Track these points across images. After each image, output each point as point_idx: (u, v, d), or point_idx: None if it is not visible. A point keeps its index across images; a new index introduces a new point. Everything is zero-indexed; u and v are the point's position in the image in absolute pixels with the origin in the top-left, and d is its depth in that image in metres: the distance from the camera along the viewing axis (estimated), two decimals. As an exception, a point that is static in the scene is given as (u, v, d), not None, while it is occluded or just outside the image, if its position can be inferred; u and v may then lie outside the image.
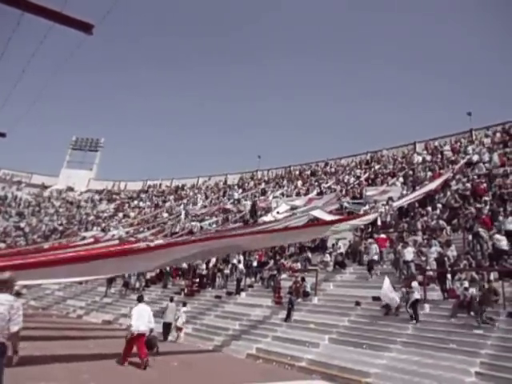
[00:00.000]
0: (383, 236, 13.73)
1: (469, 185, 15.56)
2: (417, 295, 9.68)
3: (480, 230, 11.47)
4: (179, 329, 13.00)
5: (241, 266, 15.83)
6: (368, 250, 13.41)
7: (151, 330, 8.91)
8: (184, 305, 13.61)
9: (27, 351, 7.50)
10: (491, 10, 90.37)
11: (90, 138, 54.37)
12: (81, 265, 8.72)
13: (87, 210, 42.24)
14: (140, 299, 9.57)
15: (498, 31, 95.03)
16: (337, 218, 14.13)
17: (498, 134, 21.46)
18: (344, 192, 21.87)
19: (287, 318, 11.74)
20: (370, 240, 14.17)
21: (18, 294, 16.39)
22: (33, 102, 37.90)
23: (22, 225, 38.09)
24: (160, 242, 16.87)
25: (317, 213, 16.22)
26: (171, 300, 13.82)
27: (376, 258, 13.01)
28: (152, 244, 15.32)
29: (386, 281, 10.27)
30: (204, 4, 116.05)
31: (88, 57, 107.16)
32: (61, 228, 36.30)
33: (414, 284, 9.94)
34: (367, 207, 17.11)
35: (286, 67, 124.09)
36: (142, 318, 8.67)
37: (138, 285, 19.62)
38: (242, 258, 16.74)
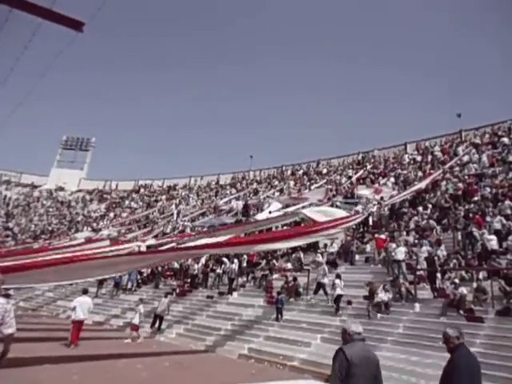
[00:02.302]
0: (382, 236, 13.73)
1: (460, 185, 15.72)
2: (339, 291, 11.06)
3: (474, 229, 11.61)
4: (135, 327, 12.44)
5: (233, 265, 15.79)
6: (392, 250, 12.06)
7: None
8: (141, 301, 13.70)
9: (16, 353, 7.40)
10: (484, 11, 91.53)
11: (80, 137, 53.96)
12: (66, 267, 8.59)
13: (78, 210, 41.81)
14: (85, 292, 11.31)
15: (490, 33, 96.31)
16: (328, 219, 13.95)
17: (487, 135, 21.78)
18: (335, 191, 21.97)
19: (278, 318, 11.77)
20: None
21: (7, 296, 16.14)
22: (21, 100, 37.51)
23: (11, 225, 37.57)
24: (151, 242, 16.77)
25: (308, 211, 16.20)
26: (165, 296, 14.37)
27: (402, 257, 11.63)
28: (142, 244, 15.27)
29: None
30: (192, 1, 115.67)
31: (79, 56, 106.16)
32: (51, 228, 35.88)
33: (337, 281, 11.25)
34: (359, 207, 17.21)
35: (278, 67, 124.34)
36: (82, 308, 10.54)
37: (129, 285, 19.50)
38: (236, 259, 16.73)
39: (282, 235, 12.87)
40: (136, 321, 12.47)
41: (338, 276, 11.64)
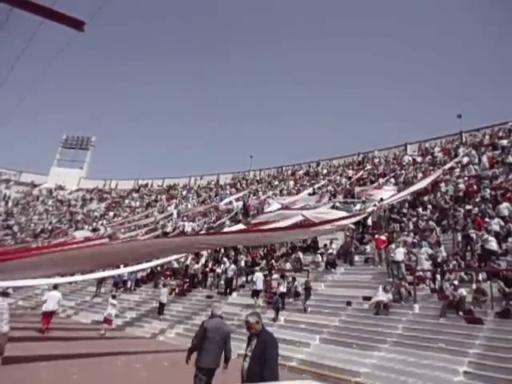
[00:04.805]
0: (382, 237, 13.70)
1: (462, 186, 15.70)
2: (282, 289, 12.37)
3: (471, 231, 11.60)
4: (107, 320, 13.63)
5: (232, 265, 15.79)
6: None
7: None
8: (113, 297, 14.67)
9: (15, 352, 7.40)
10: (488, 9, 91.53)
11: (80, 136, 53.95)
12: (60, 255, 8.49)
13: (77, 209, 41.80)
14: (55, 287, 13.22)
15: (491, 33, 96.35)
16: (327, 218, 14.05)
17: (487, 137, 21.79)
18: (334, 192, 21.99)
19: (275, 319, 11.79)
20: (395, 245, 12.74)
21: (5, 294, 16.16)
22: (21, 99, 37.47)
23: (11, 223, 37.56)
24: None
25: (306, 213, 16.22)
26: (164, 286, 16.15)
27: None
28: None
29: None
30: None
31: (78, 53, 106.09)
32: (50, 227, 35.87)
33: (280, 280, 12.69)
34: (358, 207, 17.20)
35: (277, 66, 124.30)
36: (51, 301, 12.29)
37: (129, 284, 19.50)
38: (239, 258, 16.77)
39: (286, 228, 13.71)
40: (108, 314, 13.77)
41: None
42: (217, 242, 12.74)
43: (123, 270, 17.98)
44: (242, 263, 16.64)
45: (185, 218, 26.89)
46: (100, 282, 19.99)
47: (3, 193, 45.26)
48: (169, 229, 24.55)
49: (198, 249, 14.63)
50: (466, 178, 16.78)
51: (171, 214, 29.20)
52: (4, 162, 54.59)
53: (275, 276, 14.68)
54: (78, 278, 18.69)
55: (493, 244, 10.65)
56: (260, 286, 13.62)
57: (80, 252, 9.12)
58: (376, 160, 27.33)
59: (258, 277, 13.73)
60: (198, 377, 4.96)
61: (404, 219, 15.54)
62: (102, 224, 31.49)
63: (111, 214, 37.26)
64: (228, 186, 35.65)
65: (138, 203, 39.23)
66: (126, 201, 41.33)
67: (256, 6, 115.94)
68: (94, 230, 29.55)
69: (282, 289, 12.61)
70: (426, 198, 16.52)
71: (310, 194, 23.37)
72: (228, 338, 5.26)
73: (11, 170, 49.60)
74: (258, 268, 15.41)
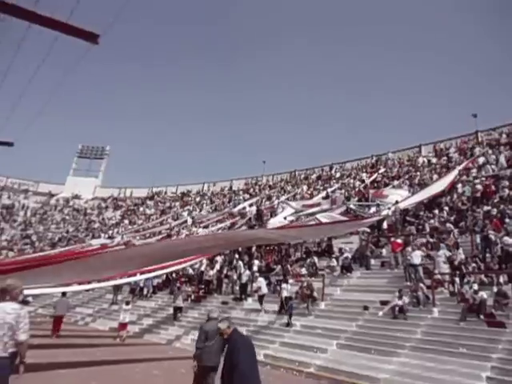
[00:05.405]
0: (399, 240, 13.52)
1: (479, 186, 15.39)
2: (286, 293, 12.48)
3: (490, 232, 11.35)
4: (123, 326, 13.76)
5: (247, 271, 15.76)
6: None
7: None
8: (127, 303, 14.89)
9: (35, 359, 7.52)
10: (504, 10, 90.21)
11: (95, 145, 54.88)
12: (80, 262, 8.65)
13: (93, 218, 42.47)
14: (64, 294, 14.86)
15: (507, 32, 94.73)
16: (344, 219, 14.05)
17: (504, 136, 21.34)
18: (348, 195, 21.81)
19: (288, 324, 11.73)
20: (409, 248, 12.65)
21: (25, 302, 16.56)
22: (39, 111, 38.47)
23: (30, 233, 38.35)
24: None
25: (321, 216, 16.17)
26: (178, 289, 16.79)
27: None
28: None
29: None
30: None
31: (92, 64, 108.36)
32: (68, 236, 36.51)
33: (284, 285, 12.81)
34: (373, 210, 17.03)
35: (290, 70, 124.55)
36: (60, 307, 13.85)
37: (145, 291, 19.66)
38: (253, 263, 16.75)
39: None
40: (125, 318, 14.01)
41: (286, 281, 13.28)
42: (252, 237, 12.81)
43: (139, 277, 18.15)
44: (255, 268, 16.56)
45: (199, 225, 27.03)
46: (117, 289, 20.20)
47: (22, 203, 46.31)
48: (183, 236, 24.70)
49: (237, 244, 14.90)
50: (483, 179, 16.46)
51: (185, 221, 29.41)
52: (22, 172, 55.91)
53: (290, 281, 14.63)
54: (95, 285, 18.92)
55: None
56: (264, 290, 13.76)
57: (101, 257, 9.28)
58: (390, 162, 27.05)
59: (261, 282, 13.87)
60: (202, 374, 5.37)
61: (420, 221, 15.32)
62: (117, 232, 31.92)
63: (126, 221, 37.74)
64: (241, 192, 35.74)
65: (152, 210, 39.67)
66: (141, 208, 41.82)
67: (272, 9, 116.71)
68: (110, 237, 29.98)
69: (286, 293, 12.60)
70: (442, 200, 16.26)
71: (323, 198, 23.23)
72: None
73: (29, 181, 50.78)
74: (257, 272, 15.53)
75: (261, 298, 13.66)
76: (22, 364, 3.75)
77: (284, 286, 12.84)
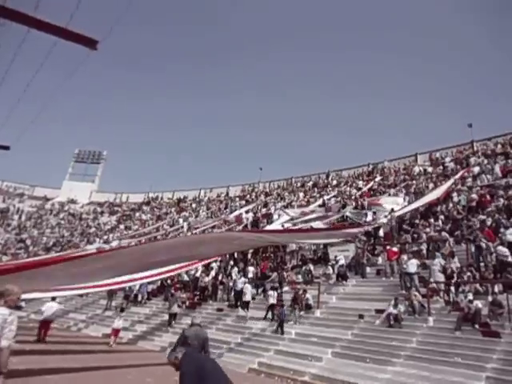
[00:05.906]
0: (394, 249, 13.55)
1: (474, 196, 15.48)
2: (272, 300, 12.66)
3: (482, 241, 11.40)
4: (115, 332, 13.91)
5: (242, 278, 15.69)
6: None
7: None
8: (122, 310, 15.58)
9: (23, 365, 7.43)
10: (500, 14, 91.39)
11: (92, 150, 54.80)
12: (76, 263, 8.50)
13: (89, 223, 42.24)
14: (53, 299, 14.01)
15: (504, 40, 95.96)
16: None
17: (500, 146, 21.54)
18: (344, 203, 21.86)
19: (281, 332, 11.67)
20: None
21: (18, 307, 16.38)
22: (36, 115, 38.36)
23: (24, 237, 38.06)
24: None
25: (316, 225, 16.21)
26: (172, 295, 16.47)
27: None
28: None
29: None
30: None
31: (89, 69, 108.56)
32: (62, 240, 36.25)
33: (270, 292, 12.99)
34: (369, 218, 17.06)
35: (287, 77, 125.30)
36: (49, 311, 13.34)
37: (139, 297, 19.51)
38: (250, 269, 16.68)
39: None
40: (119, 324, 14.12)
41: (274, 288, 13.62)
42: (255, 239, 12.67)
43: (134, 283, 18.01)
44: (250, 275, 16.49)
45: (194, 231, 26.96)
46: (111, 295, 20.04)
47: (16, 207, 46.01)
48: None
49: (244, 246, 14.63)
50: (478, 188, 16.56)
51: (181, 227, 29.32)
52: (18, 176, 55.66)
53: (286, 288, 14.59)
54: (89, 290, 18.73)
55: (507, 255, 10.44)
56: (249, 297, 14.16)
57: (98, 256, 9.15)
58: (386, 170, 27.18)
59: (247, 288, 14.24)
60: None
61: (416, 230, 15.36)
62: (113, 237, 31.75)
63: (122, 226, 37.57)
64: (238, 198, 35.74)
65: (148, 216, 39.53)
66: (137, 214, 41.67)
67: (270, 13, 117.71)
68: (106, 242, 29.80)
69: (272, 300, 12.78)
70: (437, 209, 16.33)
71: (319, 206, 23.26)
72: (206, 342, 6.05)
73: (25, 185, 50.52)
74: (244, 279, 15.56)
75: (246, 304, 14.09)
76: (1, 374, 3.38)
77: (270, 292, 13.08)
